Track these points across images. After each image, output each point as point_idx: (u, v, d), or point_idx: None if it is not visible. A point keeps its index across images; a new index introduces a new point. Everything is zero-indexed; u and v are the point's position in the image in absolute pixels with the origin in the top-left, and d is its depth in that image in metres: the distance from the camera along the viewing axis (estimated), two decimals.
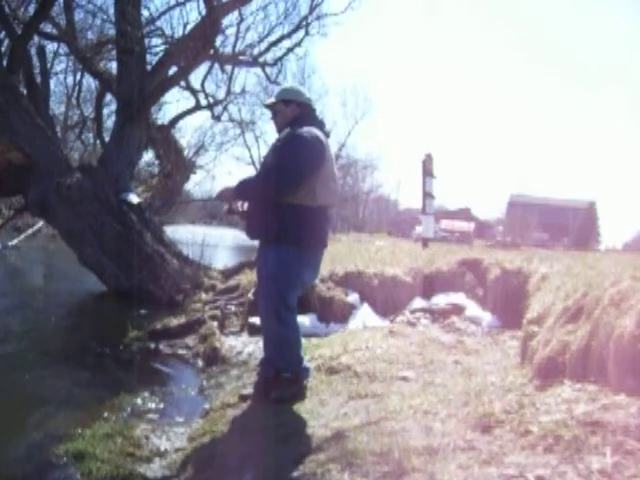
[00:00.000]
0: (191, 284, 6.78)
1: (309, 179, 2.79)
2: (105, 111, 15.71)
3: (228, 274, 7.17)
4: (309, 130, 2.84)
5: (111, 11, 9.72)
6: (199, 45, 8.20)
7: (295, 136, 2.83)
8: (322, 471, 2.01)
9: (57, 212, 7.00)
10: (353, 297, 5.04)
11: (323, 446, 2.23)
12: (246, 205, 3.06)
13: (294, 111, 2.97)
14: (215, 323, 4.81)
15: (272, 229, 2.82)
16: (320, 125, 2.98)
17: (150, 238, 7.27)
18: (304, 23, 11.93)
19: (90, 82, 17.23)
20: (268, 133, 23.99)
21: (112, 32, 10.07)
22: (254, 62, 12.04)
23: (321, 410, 2.68)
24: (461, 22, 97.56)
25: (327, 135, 3.03)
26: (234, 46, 11.63)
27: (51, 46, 14.68)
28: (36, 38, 9.79)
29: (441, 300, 4.99)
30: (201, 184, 21.09)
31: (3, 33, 9.83)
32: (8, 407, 3.24)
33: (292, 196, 2.78)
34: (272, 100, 3.14)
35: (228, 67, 12.48)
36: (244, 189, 2.93)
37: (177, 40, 9.98)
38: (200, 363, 4.23)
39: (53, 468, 2.48)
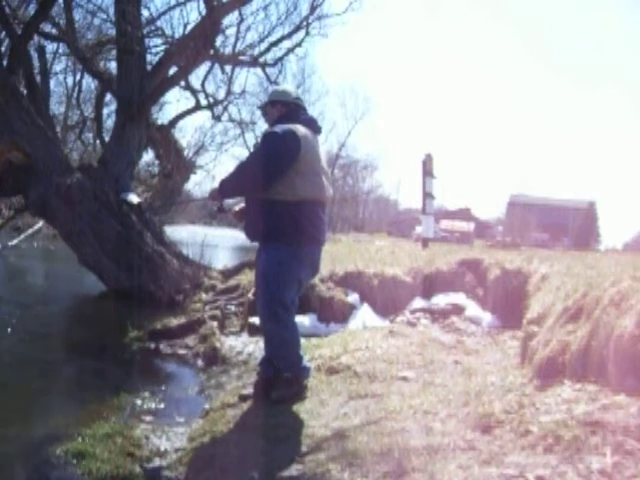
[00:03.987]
0: (191, 284, 6.77)
1: (283, 172, 2.80)
2: (105, 111, 15.67)
3: (228, 274, 7.16)
4: (284, 126, 2.87)
5: (111, 11, 9.71)
6: (199, 45, 8.19)
7: (267, 132, 2.94)
8: (322, 471, 2.01)
9: (57, 212, 6.98)
10: (353, 297, 5.03)
11: (323, 446, 2.23)
12: (240, 206, 3.13)
13: (280, 111, 3.05)
14: (215, 323, 4.81)
15: (263, 228, 2.87)
16: (307, 122, 3.01)
17: (150, 238, 7.25)
18: (305, 23, 11.87)
19: (90, 82, 17.16)
20: None
21: (112, 32, 10.06)
22: (254, 62, 12.01)
23: (321, 410, 2.68)
24: (461, 22, 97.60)
25: (318, 131, 3.07)
26: (234, 46, 11.60)
27: (51, 46, 14.60)
28: (36, 38, 9.77)
29: (441, 300, 4.99)
30: (201, 184, 21.18)
31: (3, 33, 9.82)
32: (8, 407, 3.24)
33: (273, 191, 2.81)
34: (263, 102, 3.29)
35: (228, 67, 12.46)
36: (223, 187, 3.00)
37: (177, 40, 9.95)
38: (200, 363, 4.23)
39: (53, 468, 2.48)
